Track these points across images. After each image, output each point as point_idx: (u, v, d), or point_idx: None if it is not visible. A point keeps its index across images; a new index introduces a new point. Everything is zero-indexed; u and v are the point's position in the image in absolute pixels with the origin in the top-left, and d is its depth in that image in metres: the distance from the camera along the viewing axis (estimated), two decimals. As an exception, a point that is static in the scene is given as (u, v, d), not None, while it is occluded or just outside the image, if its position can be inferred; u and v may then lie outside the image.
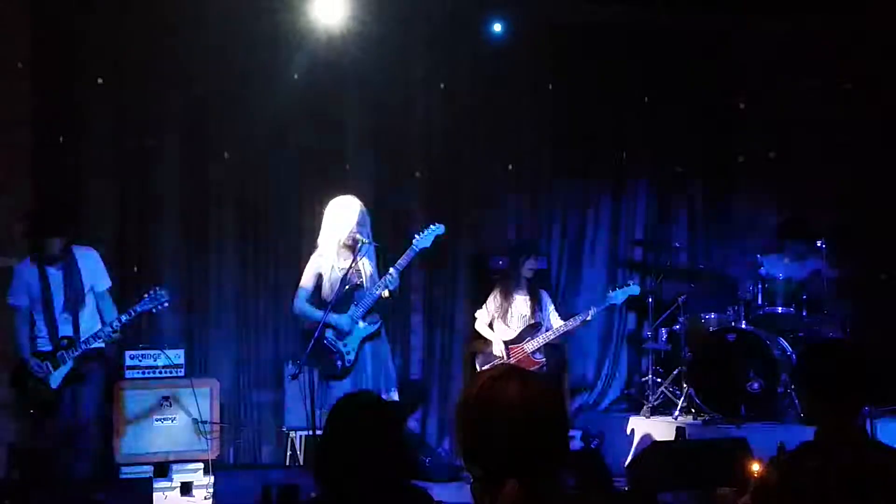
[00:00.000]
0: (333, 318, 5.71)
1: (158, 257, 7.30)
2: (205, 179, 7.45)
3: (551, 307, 6.98)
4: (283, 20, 7.34)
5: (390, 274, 5.72)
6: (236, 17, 7.37)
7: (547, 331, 6.75)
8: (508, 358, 6.65)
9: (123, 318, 5.82)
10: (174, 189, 7.37)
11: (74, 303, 5.81)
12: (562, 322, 6.81)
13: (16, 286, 5.87)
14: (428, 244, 5.86)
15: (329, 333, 5.74)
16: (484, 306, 6.97)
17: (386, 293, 5.81)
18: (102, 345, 5.87)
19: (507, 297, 6.86)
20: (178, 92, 7.37)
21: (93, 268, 5.93)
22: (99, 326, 5.86)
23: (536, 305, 6.84)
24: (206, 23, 7.34)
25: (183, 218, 7.39)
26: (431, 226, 5.90)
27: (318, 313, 5.75)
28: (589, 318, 6.67)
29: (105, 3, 7.16)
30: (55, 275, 5.82)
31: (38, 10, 6.92)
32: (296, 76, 7.53)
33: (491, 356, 6.76)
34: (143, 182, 7.30)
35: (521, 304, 6.84)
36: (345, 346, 5.74)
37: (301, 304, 5.92)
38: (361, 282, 5.79)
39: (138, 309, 5.83)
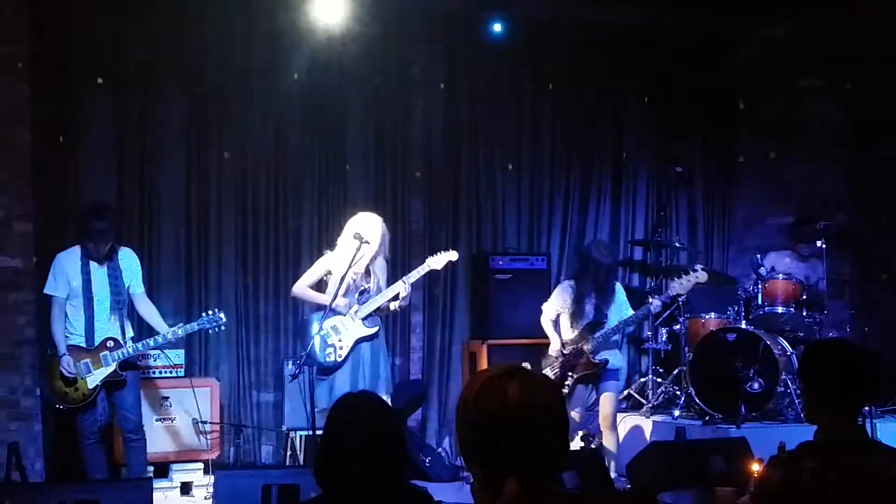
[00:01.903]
0: (335, 301, 5.83)
1: (158, 257, 7.30)
2: (205, 179, 7.45)
3: (622, 299, 6.61)
4: (283, 20, 7.35)
5: (402, 282, 5.86)
6: (236, 16, 7.37)
7: (607, 326, 6.45)
8: (564, 357, 6.49)
9: (180, 332, 5.91)
10: (174, 189, 7.37)
11: (121, 303, 5.90)
12: (630, 313, 6.54)
13: (55, 275, 5.90)
14: (439, 267, 6.11)
15: (327, 326, 5.84)
16: (550, 300, 6.71)
17: (395, 304, 5.94)
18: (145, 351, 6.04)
19: (580, 298, 6.53)
20: (178, 92, 7.36)
21: (133, 269, 6.04)
22: (130, 330, 5.98)
23: (602, 303, 6.52)
24: (206, 23, 7.35)
25: (183, 218, 7.38)
26: (447, 252, 6.14)
27: (319, 296, 5.95)
28: (653, 309, 6.47)
29: (105, 3, 7.16)
30: (99, 272, 5.89)
31: (38, 10, 6.91)
32: (296, 76, 7.54)
33: (548, 357, 6.63)
34: (143, 182, 7.30)
35: (588, 303, 6.57)
36: (339, 340, 5.83)
37: (301, 285, 6.11)
38: (368, 286, 5.89)
39: (196, 327, 5.95)
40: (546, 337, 7.63)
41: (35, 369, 6.52)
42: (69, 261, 5.89)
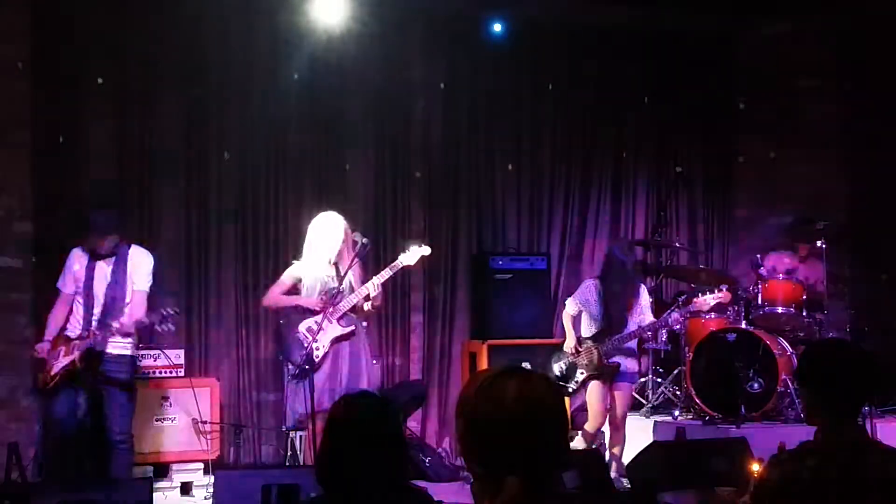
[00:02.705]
0: (303, 300, 5.87)
1: (158, 257, 7.28)
2: (205, 179, 7.45)
3: (645, 302, 6.58)
4: (283, 20, 7.35)
5: (372, 283, 5.84)
6: (236, 17, 7.38)
7: (625, 331, 6.43)
8: (577, 355, 6.48)
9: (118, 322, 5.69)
10: (174, 189, 7.37)
11: (117, 301, 5.78)
12: (651, 319, 6.52)
13: (65, 269, 5.90)
14: (412, 262, 6.06)
15: (302, 328, 5.83)
16: (573, 296, 6.70)
17: (368, 306, 5.92)
18: (126, 351, 5.82)
19: (605, 299, 6.52)
20: (178, 92, 7.37)
21: (140, 269, 5.91)
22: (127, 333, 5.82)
23: (625, 304, 6.48)
24: (206, 23, 7.35)
25: (183, 218, 7.38)
26: (418, 246, 6.09)
27: (291, 299, 5.98)
28: (671, 322, 6.48)
29: (105, 3, 7.16)
30: (102, 269, 5.83)
31: (38, 10, 6.91)
32: (296, 76, 7.54)
33: (561, 353, 6.61)
34: (142, 182, 7.29)
35: (612, 302, 6.52)
36: (315, 341, 5.80)
37: (271, 295, 6.13)
38: (341, 288, 5.87)
39: (144, 320, 5.78)
40: (548, 337, 7.68)
41: (35, 369, 6.51)
42: (78, 257, 5.89)
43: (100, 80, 7.17)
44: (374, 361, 6.50)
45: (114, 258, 5.84)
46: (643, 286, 6.82)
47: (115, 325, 5.68)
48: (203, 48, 7.38)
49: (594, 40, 8.38)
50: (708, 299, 6.44)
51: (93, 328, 5.73)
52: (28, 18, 6.85)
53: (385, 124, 7.89)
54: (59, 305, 5.90)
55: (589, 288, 6.65)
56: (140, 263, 5.94)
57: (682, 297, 6.89)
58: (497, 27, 7.99)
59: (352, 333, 5.94)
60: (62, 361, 5.71)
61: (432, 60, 8.01)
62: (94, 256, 5.83)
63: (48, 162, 6.97)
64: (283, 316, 6.20)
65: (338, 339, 5.91)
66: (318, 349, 5.87)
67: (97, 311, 5.79)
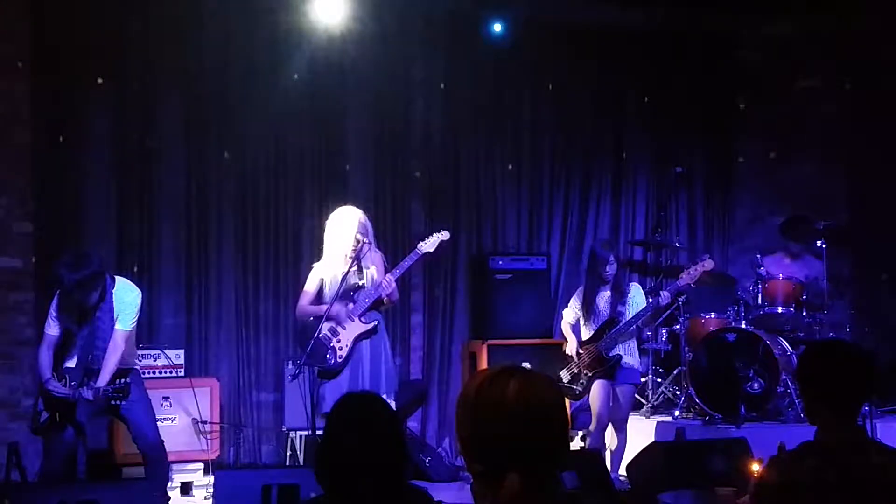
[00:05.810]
0: (333, 309, 5.74)
1: (158, 257, 7.30)
2: (205, 179, 7.45)
3: (640, 300, 6.55)
4: (283, 20, 7.35)
5: (385, 279, 5.78)
6: (236, 17, 7.38)
7: (622, 324, 6.42)
8: (580, 358, 6.49)
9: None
10: (174, 189, 7.37)
11: (97, 349, 5.41)
12: (640, 309, 6.49)
13: (49, 319, 5.50)
14: (431, 250, 5.98)
15: (325, 330, 5.74)
16: (569, 305, 6.74)
17: (386, 299, 5.85)
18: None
19: (588, 295, 6.56)
20: (178, 92, 7.37)
21: (126, 310, 5.48)
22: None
23: (618, 301, 6.49)
24: (206, 23, 7.35)
25: (183, 218, 7.38)
26: (437, 233, 6.02)
27: (315, 308, 5.84)
28: (662, 301, 6.44)
29: (105, 3, 7.16)
30: (87, 325, 5.44)
31: (38, 10, 6.92)
32: (296, 76, 7.54)
33: (566, 358, 6.59)
34: (143, 182, 7.30)
35: (603, 301, 6.55)
36: (338, 341, 5.75)
37: (301, 306, 5.97)
38: (362, 283, 5.81)
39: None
40: (548, 337, 7.71)
41: (34, 370, 6.47)
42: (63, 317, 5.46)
43: (100, 80, 7.17)
44: (396, 361, 6.36)
45: (98, 310, 5.42)
46: (636, 284, 6.82)
47: (89, 396, 5.27)
48: (203, 48, 7.38)
49: (594, 40, 8.37)
50: (692, 271, 6.46)
51: (69, 381, 5.39)
52: (28, 18, 6.85)
53: (385, 124, 7.89)
54: (46, 347, 5.46)
55: (578, 292, 6.70)
56: (127, 305, 5.49)
57: (663, 279, 6.83)
58: (497, 27, 7.99)
59: (373, 330, 5.85)
60: (45, 413, 5.40)
61: (432, 60, 8.01)
62: (82, 311, 5.44)
63: (48, 162, 6.97)
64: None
65: (360, 337, 5.80)
66: (341, 349, 5.80)
67: (77, 362, 5.45)
